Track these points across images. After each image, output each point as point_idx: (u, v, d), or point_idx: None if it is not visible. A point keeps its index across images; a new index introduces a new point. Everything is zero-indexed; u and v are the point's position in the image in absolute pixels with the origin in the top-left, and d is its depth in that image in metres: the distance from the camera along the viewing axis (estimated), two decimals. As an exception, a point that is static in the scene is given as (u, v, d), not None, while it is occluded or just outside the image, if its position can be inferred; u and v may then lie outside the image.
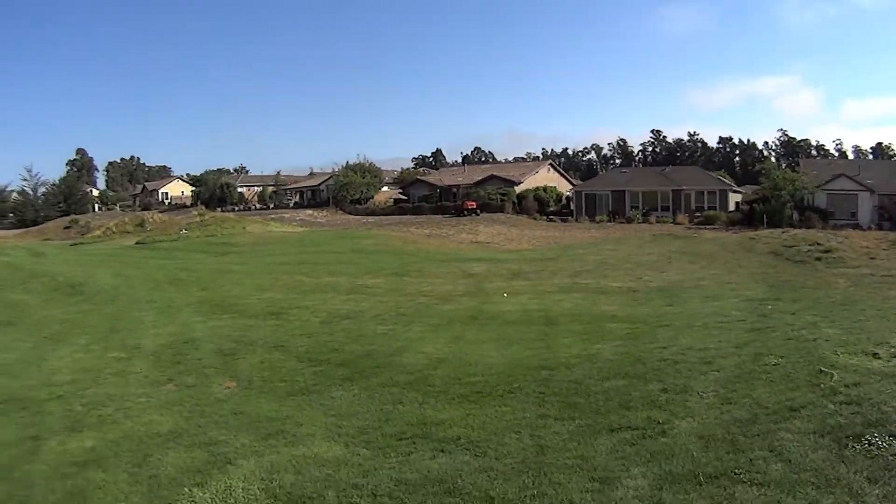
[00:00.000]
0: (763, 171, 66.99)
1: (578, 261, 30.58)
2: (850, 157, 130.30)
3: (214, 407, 10.51)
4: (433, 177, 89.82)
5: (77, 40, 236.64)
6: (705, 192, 67.74)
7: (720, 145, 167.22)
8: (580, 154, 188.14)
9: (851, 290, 19.75)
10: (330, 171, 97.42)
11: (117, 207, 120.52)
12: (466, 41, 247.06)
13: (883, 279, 22.21)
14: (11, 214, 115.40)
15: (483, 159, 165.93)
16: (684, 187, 67.74)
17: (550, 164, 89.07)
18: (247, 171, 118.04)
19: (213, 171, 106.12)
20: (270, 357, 13.84)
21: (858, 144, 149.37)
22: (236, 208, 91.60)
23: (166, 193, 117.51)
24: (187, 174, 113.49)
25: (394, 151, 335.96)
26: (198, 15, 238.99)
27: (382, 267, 31.08)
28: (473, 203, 68.66)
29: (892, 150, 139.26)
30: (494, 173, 79.72)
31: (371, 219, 70.69)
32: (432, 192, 79.59)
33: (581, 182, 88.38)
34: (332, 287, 24.71)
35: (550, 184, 77.58)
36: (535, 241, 48.17)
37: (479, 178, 79.38)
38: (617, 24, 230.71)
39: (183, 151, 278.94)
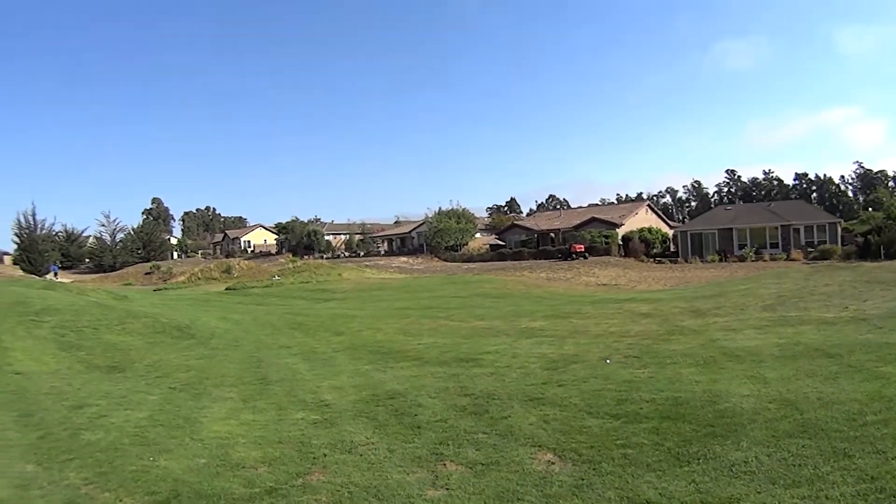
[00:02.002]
0: (876, 202, 62.64)
1: (750, 296, 26.23)
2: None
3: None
4: (529, 221, 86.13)
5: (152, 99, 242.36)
6: (814, 227, 63.54)
7: (796, 181, 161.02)
8: (655, 198, 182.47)
9: None
10: (418, 218, 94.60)
11: (199, 255, 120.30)
12: (532, 91, 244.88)
13: None
14: (88, 259, 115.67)
15: (557, 206, 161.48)
16: (793, 222, 63.58)
17: (648, 206, 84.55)
18: (331, 221, 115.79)
19: (299, 220, 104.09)
20: (547, 412, 9.77)
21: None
22: (325, 256, 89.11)
23: (249, 241, 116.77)
24: (276, 223, 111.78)
25: (465, 203, 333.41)
26: (262, 65, 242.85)
27: (530, 310, 27.05)
28: (581, 246, 65.00)
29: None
30: (595, 216, 75.96)
31: (472, 265, 67.44)
32: (530, 237, 76.18)
33: (679, 222, 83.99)
34: (495, 331, 20.69)
35: (649, 225, 73.22)
36: (664, 282, 44.47)
37: (578, 221, 75.82)
38: (675, 63, 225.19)
39: (258, 202, 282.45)
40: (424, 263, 72.24)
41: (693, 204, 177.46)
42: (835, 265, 38.98)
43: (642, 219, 76.35)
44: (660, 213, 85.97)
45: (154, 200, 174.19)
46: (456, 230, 79.74)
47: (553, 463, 7.64)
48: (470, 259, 73.31)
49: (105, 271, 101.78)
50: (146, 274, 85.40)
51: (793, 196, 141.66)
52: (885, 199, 59.87)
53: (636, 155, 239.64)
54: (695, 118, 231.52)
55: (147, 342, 21.78)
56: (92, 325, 24.24)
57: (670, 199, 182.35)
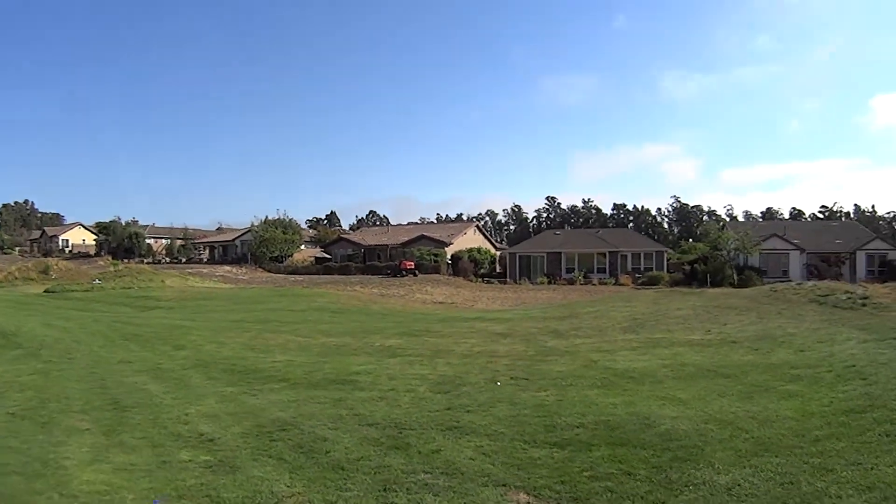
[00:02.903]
0: (702, 234, 67.59)
1: (603, 318, 26.86)
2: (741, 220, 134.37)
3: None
4: (356, 236, 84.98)
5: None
6: (641, 254, 67.70)
7: (614, 211, 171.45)
8: (473, 220, 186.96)
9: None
10: (241, 227, 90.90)
11: (16, 252, 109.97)
12: (354, 107, 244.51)
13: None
14: None
15: (378, 223, 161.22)
16: (621, 249, 67.23)
17: (476, 227, 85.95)
18: (152, 224, 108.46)
19: (120, 221, 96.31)
20: (479, 443, 8.78)
21: (749, 210, 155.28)
22: (145, 260, 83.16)
23: (67, 240, 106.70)
24: (96, 223, 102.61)
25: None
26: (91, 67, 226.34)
27: (377, 327, 26.05)
28: (411, 263, 64.70)
29: (781, 214, 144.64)
30: (424, 234, 76.12)
31: (298, 277, 65.14)
32: (356, 252, 75.07)
33: (500, 244, 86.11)
34: (350, 349, 19.33)
35: (478, 245, 74.41)
36: (500, 302, 45.24)
37: (406, 238, 75.57)
38: (501, 93, 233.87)
39: (76, 199, 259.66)
40: (249, 274, 68.96)
41: (512, 227, 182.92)
42: (681, 291, 40.93)
43: (470, 239, 77.45)
44: (486, 234, 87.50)
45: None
46: (282, 241, 76.79)
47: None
48: (295, 271, 70.83)
49: None
50: (-43, 271, 76.47)
51: (610, 224, 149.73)
52: (711, 231, 64.53)
53: (457, 175, 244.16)
54: (520, 145, 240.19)
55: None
56: None
57: (489, 221, 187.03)
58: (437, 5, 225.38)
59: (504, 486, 7.16)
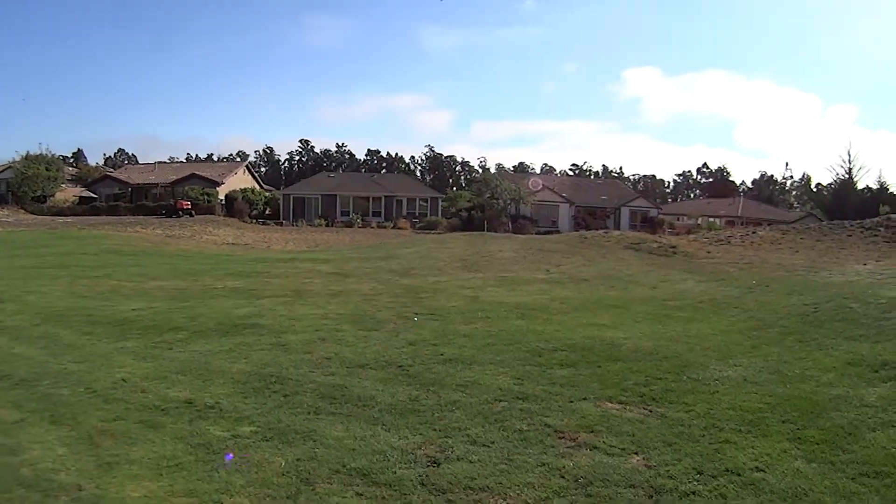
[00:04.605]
0: (482, 182, 70.64)
1: (427, 257, 26.98)
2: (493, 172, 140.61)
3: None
4: (122, 174, 78.16)
5: None
6: (417, 199, 68.67)
7: (368, 157, 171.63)
8: (224, 160, 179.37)
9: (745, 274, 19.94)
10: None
11: None
12: (99, 41, 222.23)
13: (743, 265, 22.31)
14: None
15: (128, 161, 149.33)
16: (397, 194, 67.95)
17: (246, 167, 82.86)
18: None
19: None
20: (497, 370, 8.93)
21: (501, 163, 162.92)
22: None
23: None
24: None
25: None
26: None
27: (198, 269, 24.36)
28: (188, 203, 60.83)
29: (533, 168, 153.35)
30: (196, 172, 71.87)
31: (67, 219, 58.27)
32: (123, 191, 69.14)
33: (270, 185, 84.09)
34: (201, 291, 18.07)
35: (247, 186, 71.93)
36: (294, 243, 44.58)
37: (175, 176, 71.27)
38: (263, 30, 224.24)
39: None
40: (13, 215, 61.04)
41: (263, 169, 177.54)
42: (486, 235, 41.25)
43: (241, 179, 74.53)
44: (255, 175, 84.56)
45: None
46: (45, 178, 68.55)
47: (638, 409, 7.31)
48: (61, 212, 62.73)
49: None
50: None
51: (362, 170, 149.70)
52: (492, 181, 67.19)
53: (201, 113, 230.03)
54: (268, 85, 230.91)
55: None
56: None
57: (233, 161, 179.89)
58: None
59: (584, 399, 7.52)
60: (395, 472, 5.56)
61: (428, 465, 5.69)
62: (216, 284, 19.59)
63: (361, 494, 5.19)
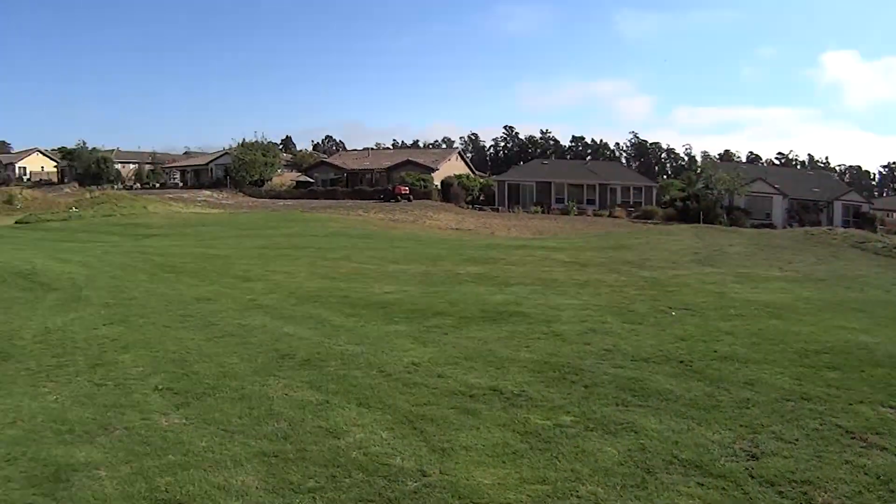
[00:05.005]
0: (697, 172, 67.29)
1: (658, 249, 25.64)
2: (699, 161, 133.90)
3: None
4: (337, 160, 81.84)
5: None
6: (631, 188, 66.27)
7: (573, 143, 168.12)
8: (430, 146, 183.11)
9: None
10: (213, 151, 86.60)
11: None
12: (302, 33, 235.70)
13: None
14: None
15: (335, 148, 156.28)
16: (611, 182, 65.75)
17: (458, 153, 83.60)
18: (116, 148, 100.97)
19: (86, 146, 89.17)
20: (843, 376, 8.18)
21: (706, 150, 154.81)
22: (115, 186, 78.23)
23: (24, 168, 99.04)
24: (59, 148, 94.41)
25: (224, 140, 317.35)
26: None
27: (434, 253, 24.27)
28: (406, 188, 61.94)
29: (739, 157, 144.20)
30: (410, 158, 73.22)
31: (287, 202, 62.03)
32: (339, 176, 71.96)
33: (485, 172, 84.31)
34: (447, 277, 17.49)
35: (461, 172, 72.29)
36: (515, 230, 44.44)
37: (389, 163, 73.03)
38: (458, 21, 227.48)
39: (21, 124, 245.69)
40: (232, 198, 65.68)
41: (470, 155, 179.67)
42: (709, 227, 39.53)
43: (454, 165, 75.25)
44: (468, 161, 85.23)
45: None
46: (262, 164, 73.45)
47: None
48: (279, 196, 67.58)
49: None
50: None
51: (567, 157, 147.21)
52: (708, 170, 64.14)
53: (406, 102, 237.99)
54: (469, 73, 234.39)
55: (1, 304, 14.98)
56: None
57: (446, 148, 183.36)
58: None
59: (861, 402, 7.14)
60: (724, 465, 5.61)
61: (748, 459, 5.73)
62: (457, 270, 19.15)
63: (702, 484, 5.27)
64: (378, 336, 10.55)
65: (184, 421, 7.05)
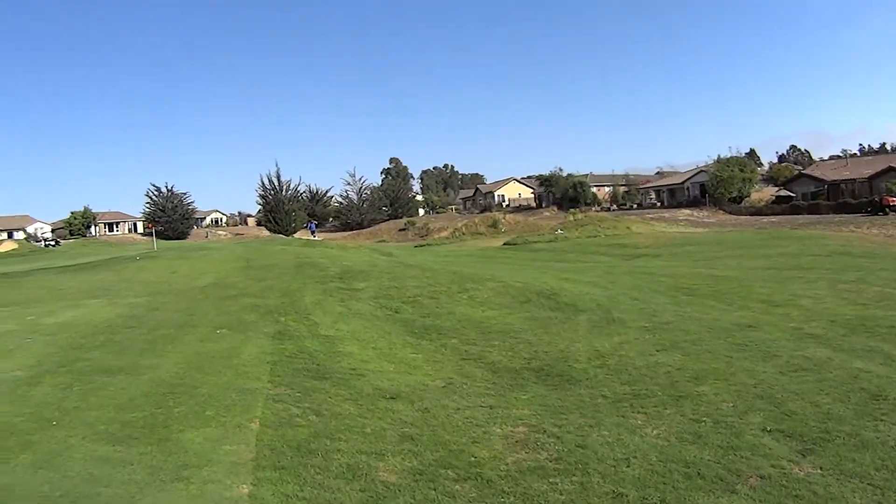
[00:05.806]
0: None
1: None
2: None
3: None
4: (815, 171, 77.33)
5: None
6: None
7: None
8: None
9: None
10: (686, 170, 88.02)
11: (452, 210, 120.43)
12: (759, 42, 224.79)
13: None
14: (332, 218, 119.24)
15: (802, 158, 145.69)
16: None
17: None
18: (590, 172, 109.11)
19: (561, 172, 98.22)
20: None
21: None
22: (592, 209, 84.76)
23: (503, 195, 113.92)
24: (537, 175, 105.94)
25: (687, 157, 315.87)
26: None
27: None
28: (895, 199, 56.05)
29: None
30: (892, 165, 65.73)
31: (771, 218, 60.94)
32: (820, 189, 67.79)
33: None
34: None
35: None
36: None
37: (870, 171, 66.37)
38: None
39: (491, 159, 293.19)
40: (713, 216, 66.57)
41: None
42: None
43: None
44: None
45: (392, 160, 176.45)
46: (739, 179, 72.74)
47: None
48: (759, 212, 66.17)
49: (352, 229, 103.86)
50: (400, 230, 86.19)
51: None
52: None
53: (865, 103, 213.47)
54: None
55: (527, 318, 17.19)
56: (422, 293, 20.39)
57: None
58: None
59: None
60: None
61: None
62: None
63: None
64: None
65: (818, 471, 6.98)
